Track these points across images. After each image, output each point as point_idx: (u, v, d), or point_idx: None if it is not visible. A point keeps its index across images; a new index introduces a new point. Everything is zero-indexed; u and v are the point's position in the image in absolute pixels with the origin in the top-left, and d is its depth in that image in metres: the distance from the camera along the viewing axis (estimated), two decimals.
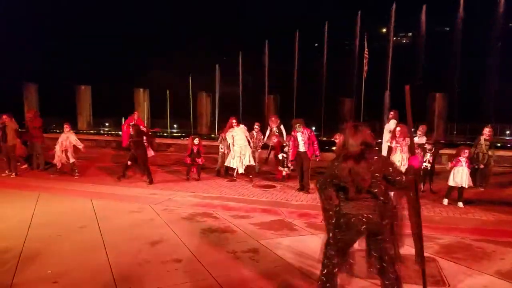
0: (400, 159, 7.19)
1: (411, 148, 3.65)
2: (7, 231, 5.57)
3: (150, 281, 4.01)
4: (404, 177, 3.05)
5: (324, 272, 3.21)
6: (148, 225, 5.95)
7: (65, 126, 10.01)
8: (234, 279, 4.10)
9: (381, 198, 3.06)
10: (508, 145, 14.22)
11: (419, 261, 3.49)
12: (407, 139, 6.98)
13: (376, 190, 3.03)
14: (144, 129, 10.04)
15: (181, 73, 21.91)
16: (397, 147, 7.30)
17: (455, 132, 20.67)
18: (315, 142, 8.43)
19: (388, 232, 3.15)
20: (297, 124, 8.49)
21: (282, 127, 10.69)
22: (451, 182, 7.44)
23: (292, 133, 8.65)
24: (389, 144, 7.57)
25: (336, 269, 3.22)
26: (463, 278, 4.20)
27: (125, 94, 21.87)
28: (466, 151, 7.51)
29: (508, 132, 19.03)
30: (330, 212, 3.25)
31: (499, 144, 11.03)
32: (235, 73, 21.84)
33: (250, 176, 9.44)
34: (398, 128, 7.41)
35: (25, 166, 10.78)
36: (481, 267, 4.46)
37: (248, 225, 5.97)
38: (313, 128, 17.92)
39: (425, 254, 4.78)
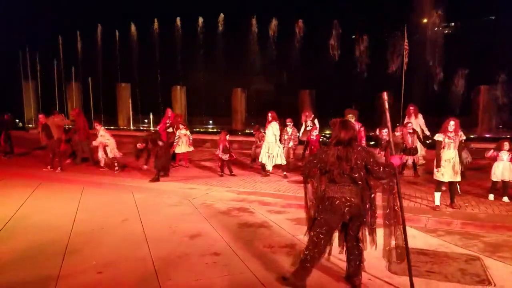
0: (454, 156, 6.42)
1: (390, 148, 4.00)
2: (53, 223, 5.90)
3: (189, 274, 4.12)
4: (381, 168, 3.50)
5: (306, 253, 3.64)
6: (187, 218, 6.10)
7: (95, 124, 10.49)
8: (272, 273, 4.13)
9: (360, 183, 3.53)
10: None
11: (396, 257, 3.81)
12: (460, 133, 6.57)
13: (356, 175, 3.50)
14: (182, 126, 10.44)
15: (217, 70, 22.13)
16: (451, 143, 6.45)
17: (501, 126, 19.61)
18: (363, 139, 8.03)
19: (367, 215, 3.65)
20: (350, 115, 8.04)
21: (316, 121, 10.59)
22: (493, 177, 7.20)
23: None
24: (440, 139, 6.57)
25: (318, 252, 3.62)
26: (510, 278, 4.01)
27: (164, 91, 22.44)
28: (507, 143, 7.19)
29: None
30: (313, 200, 3.77)
31: None
32: (272, 68, 21.80)
33: (284, 173, 9.34)
34: (452, 122, 6.48)
35: (68, 161, 11.34)
36: None
37: (284, 220, 5.97)
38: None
39: (470, 252, 4.67)
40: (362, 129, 8.08)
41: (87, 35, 23.96)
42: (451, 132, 6.46)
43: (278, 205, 6.84)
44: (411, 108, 10.48)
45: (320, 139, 10.17)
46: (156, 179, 8.81)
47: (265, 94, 22.48)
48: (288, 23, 21.20)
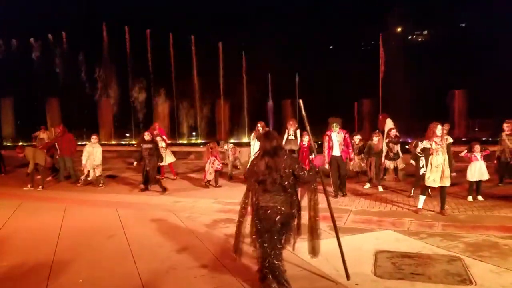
0: (443, 161, 6.44)
1: (312, 149, 4.34)
2: (38, 241, 5.79)
3: (177, 287, 4.11)
4: (306, 173, 3.71)
5: (266, 265, 3.75)
6: (173, 232, 6.08)
7: (93, 137, 10.25)
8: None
9: (289, 190, 3.73)
10: None
11: (311, 251, 4.05)
12: (446, 137, 6.65)
13: (286, 183, 3.69)
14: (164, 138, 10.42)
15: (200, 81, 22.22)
16: (438, 148, 6.47)
17: (476, 129, 20.26)
18: (350, 145, 8.10)
19: (294, 221, 3.86)
20: (335, 124, 7.97)
21: (298, 132, 10.66)
22: (469, 178, 7.52)
23: (328, 132, 8.15)
24: (428, 146, 6.58)
25: (275, 257, 3.73)
26: (490, 276, 4.16)
27: (144, 105, 22.34)
28: (477, 146, 7.57)
29: None
30: (244, 209, 3.97)
31: None
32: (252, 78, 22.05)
33: None
34: (439, 127, 6.54)
35: (49, 178, 11.14)
36: (509, 265, 4.40)
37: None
38: None
39: (451, 253, 4.81)
40: (347, 136, 8.11)
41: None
42: (438, 137, 6.48)
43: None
44: (380, 116, 10.87)
45: (311, 145, 10.26)
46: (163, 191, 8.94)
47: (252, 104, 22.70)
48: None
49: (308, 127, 4.25)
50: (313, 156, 4.15)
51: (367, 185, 8.93)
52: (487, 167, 7.68)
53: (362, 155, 9.20)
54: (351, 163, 8.25)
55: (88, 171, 10.04)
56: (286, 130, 10.80)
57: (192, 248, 5.26)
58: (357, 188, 8.56)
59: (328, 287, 4.05)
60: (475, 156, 7.57)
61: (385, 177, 9.50)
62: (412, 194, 7.84)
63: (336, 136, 7.95)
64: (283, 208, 3.72)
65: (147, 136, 9.21)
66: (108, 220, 6.88)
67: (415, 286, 3.99)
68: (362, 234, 5.72)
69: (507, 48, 17.50)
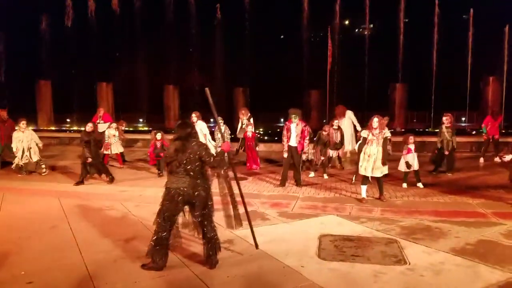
0: (376, 152, 6.75)
1: (223, 136, 5.05)
2: None
3: (126, 277, 4.09)
4: (212, 159, 4.13)
5: (154, 238, 4.15)
6: (121, 222, 5.96)
7: (22, 122, 9.60)
8: (211, 269, 4.25)
9: (192, 173, 4.10)
10: (466, 131, 15.12)
11: (235, 224, 4.63)
12: (384, 131, 6.88)
13: (189, 167, 4.09)
14: (113, 125, 10.04)
15: (147, 65, 21.45)
16: (373, 139, 6.80)
17: (414, 120, 21.66)
18: (306, 139, 8.13)
19: (203, 201, 4.21)
20: (294, 115, 8.00)
21: (251, 120, 10.81)
22: (401, 168, 8.08)
23: (287, 122, 8.20)
24: (365, 135, 6.95)
25: (165, 234, 4.14)
26: (422, 256, 4.57)
27: (86, 88, 21.19)
28: (411, 137, 8.07)
29: (463, 119, 20.14)
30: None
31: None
32: (203, 64, 21.70)
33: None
34: (375, 119, 6.82)
35: None
36: (438, 246, 4.85)
37: (222, 217, 6.07)
38: (282, 120, 18.20)
39: (388, 236, 5.19)
40: (306, 128, 8.17)
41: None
42: (375, 129, 6.81)
43: (216, 203, 6.91)
44: (338, 107, 11.18)
45: (256, 136, 10.45)
46: (80, 182, 8.46)
47: (197, 91, 22.35)
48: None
49: (215, 116, 4.62)
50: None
51: (312, 174, 9.27)
52: (422, 156, 8.27)
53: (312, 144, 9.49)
54: (303, 156, 8.43)
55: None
56: (240, 120, 10.87)
57: (140, 238, 5.16)
58: (302, 177, 8.87)
59: (274, 268, 4.22)
60: (410, 148, 8.03)
61: (329, 165, 9.91)
62: (353, 181, 8.28)
63: (294, 127, 8.02)
64: (185, 189, 4.09)
65: (89, 127, 8.68)
66: (50, 210, 6.57)
67: (355, 267, 4.29)
68: (308, 220, 5.99)
69: (446, 43, 18.79)
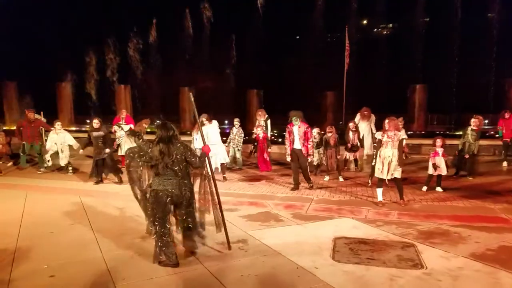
0: (391, 155, 6.66)
1: (203, 138, 4.88)
2: None
3: (143, 273, 4.16)
4: (197, 159, 4.28)
5: (157, 241, 4.29)
6: (137, 220, 6.02)
7: (57, 124, 9.85)
8: (225, 267, 4.31)
9: (180, 174, 4.23)
10: (487, 134, 14.71)
11: (217, 226, 4.72)
12: (398, 133, 6.82)
13: (176, 168, 4.21)
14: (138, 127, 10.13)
15: (163, 68, 21.72)
16: (388, 141, 6.73)
17: (435, 123, 21.19)
18: (309, 140, 7.95)
19: (188, 201, 4.40)
20: (295, 117, 7.87)
21: (269, 121, 10.80)
22: (430, 171, 7.88)
23: (288, 125, 8.05)
24: (379, 137, 6.92)
25: (165, 232, 4.28)
26: (439, 261, 4.48)
27: (107, 90, 21.65)
28: (439, 140, 7.90)
29: (486, 121, 19.63)
30: (138, 195, 4.46)
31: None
32: (218, 66, 21.82)
33: (224, 175, 9.04)
34: (386, 121, 6.77)
35: (10, 163, 10.71)
36: (457, 251, 4.75)
37: (236, 217, 6.14)
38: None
39: (405, 239, 5.11)
40: (309, 130, 7.98)
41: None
42: (389, 130, 6.74)
43: (230, 203, 6.96)
44: (365, 111, 10.67)
45: (268, 138, 10.39)
46: (99, 181, 8.66)
47: (212, 92, 22.46)
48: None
49: (198, 118, 4.92)
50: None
51: (326, 178, 9.07)
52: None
53: (322, 148, 9.30)
54: (309, 158, 8.20)
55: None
56: (257, 121, 10.89)
57: None
58: (317, 180, 8.83)
59: (288, 268, 4.22)
60: (436, 151, 7.85)
61: (345, 167, 9.80)
62: (370, 184, 8.18)
63: (297, 130, 7.89)
64: (173, 191, 4.21)
65: (96, 124, 8.69)
66: (71, 208, 6.74)
67: (370, 270, 4.24)
68: (322, 222, 5.96)
69: (469, 45, 18.29)
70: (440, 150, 7.83)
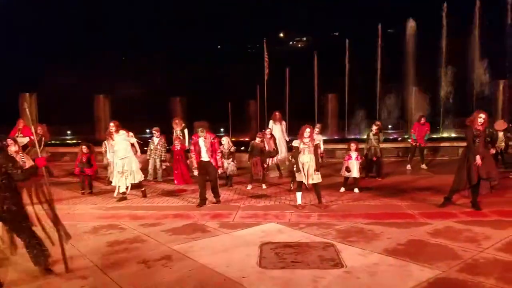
0: (309, 160, 7.00)
1: (39, 149, 4.91)
2: None
3: None
4: (18, 171, 4.09)
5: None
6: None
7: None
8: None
9: (2, 187, 4.04)
10: (390, 138, 16.15)
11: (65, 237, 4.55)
12: (314, 140, 7.20)
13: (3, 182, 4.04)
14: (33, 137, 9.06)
15: (77, 75, 20.26)
16: (305, 148, 7.04)
17: (346, 129, 22.73)
18: (217, 152, 7.64)
19: (14, 216, 4.15)
20: (200, 128, 7.56)
21: (186, 131, 10.38)
22: (342, 173, 8.44)
23: (193, 137, 7.77)
24: (296, 145, 7.16)
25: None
26: (357, 258, 4.74)
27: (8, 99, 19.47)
28: (353, 144, 8.49)
29: (390, 126, 21.52)
30: None
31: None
32: (137, 74, 21.00)
33: (142, 189, 8.32)
34: (307, 129, 7.07)
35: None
36: (372, 247, 5.07)
37: (159, 232, 5.86)
38: (222, 130, 18.08)
39: (325, 240, 5.32)
40: (215, 140, 7.70)
41: None
42: (306, 138, 7.08)
43: (153, 218, 6.66)
44: (276, 114, 11.35)
45: (186, 149, 9.87)
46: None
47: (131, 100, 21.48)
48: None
49: (33, 129, 5.14)
50: None
51: (249, 186, 9.03)
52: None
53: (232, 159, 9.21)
54: (219, 170, 7.89)
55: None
56: (173, 130, 10.47)
57: (68, 259, 4.77)
58: (242, 188, 8.89)
59: (215, 282, 4.12)
60: (350, 155, 8.41)
61: (268, 173, 9.96)
62: (292, 188, 8.44)
63: (203, 141, 7.53)
64: (5, 207, 4.04)
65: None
66: None
67: (295, 273, 4.33)
68: (249, 229, 5.98)
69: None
70: (354, 154, 8.37)
